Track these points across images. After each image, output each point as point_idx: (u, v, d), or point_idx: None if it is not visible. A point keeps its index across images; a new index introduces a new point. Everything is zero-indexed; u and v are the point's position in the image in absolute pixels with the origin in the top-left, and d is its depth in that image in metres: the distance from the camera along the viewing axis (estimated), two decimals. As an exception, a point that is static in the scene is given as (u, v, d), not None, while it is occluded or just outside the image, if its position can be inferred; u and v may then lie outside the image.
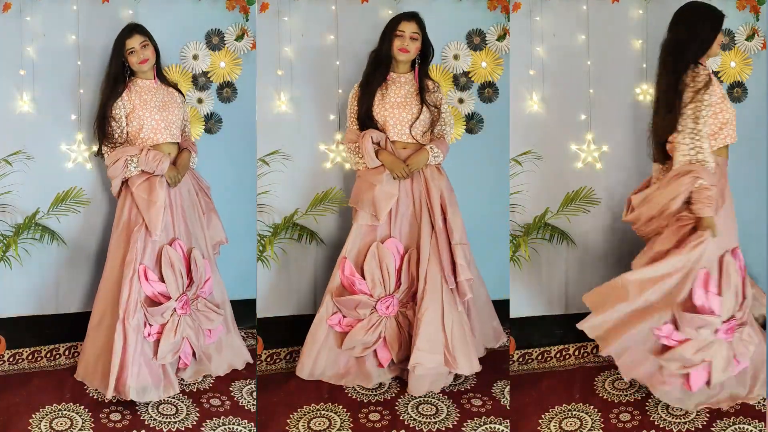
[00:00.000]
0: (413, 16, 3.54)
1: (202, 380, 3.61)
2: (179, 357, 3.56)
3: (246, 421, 3.38)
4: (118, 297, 3.39)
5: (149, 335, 3.44)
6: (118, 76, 3.50)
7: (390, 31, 3.54)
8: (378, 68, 3.58)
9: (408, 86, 3.60)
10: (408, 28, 3.52)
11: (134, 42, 3.47)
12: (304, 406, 3.46)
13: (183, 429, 3.31)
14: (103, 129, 3.52)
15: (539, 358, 3.76)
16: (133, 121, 3.51)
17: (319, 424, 3.37)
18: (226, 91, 3.84)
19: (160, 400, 3.43)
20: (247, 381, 3.63)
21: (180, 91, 3.67)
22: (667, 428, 3.27)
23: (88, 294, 3.73)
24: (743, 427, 3.25)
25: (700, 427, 3.26)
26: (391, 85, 3.60)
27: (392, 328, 3.59)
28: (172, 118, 3.57)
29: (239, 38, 3.79)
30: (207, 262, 3.66)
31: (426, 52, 3.62)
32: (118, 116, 3.50)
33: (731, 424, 3.26)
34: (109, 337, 3.39)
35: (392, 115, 3.56)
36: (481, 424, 3.36)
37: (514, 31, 3.67)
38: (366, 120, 3.57)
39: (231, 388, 3.59)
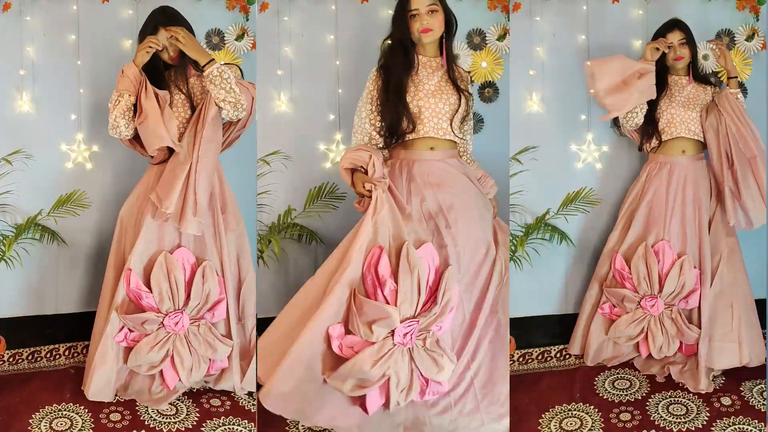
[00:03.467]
0: None
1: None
2: (159, 377, 3.35)
3: (246, 421, 3.38)
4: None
5: (123, 340, 3.28)
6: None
7: (402, 12, 3.09)
8: (399, 54, 3.09)
9: (440, 72, 3.18)
10: (422, 3, 3.08)
11: (162, 38, 3.22)
12: (304, 406, 3.46)
13: (183, 429, 3.31)
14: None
15: (539, 358, 3.76)
16: None
17: (319, 424, 3.37)
18: (226, 91, 3.84)
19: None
20: (247, 381, 3.63)
21: (202, 70, 3.21)
22: (667, 428, 3.26)
23: (88, 294, 3.73)
24: (743, 427, 3.25)
25: (700, 426, 3.26)
26: (421, 69, 3.15)
27: None
28: (165, 117, 3.22)
29: (239, 38, 3.78)
30: (222, 280, 3.34)
31: (449, 24, 3.15)
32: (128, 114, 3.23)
33: (731, 424, 3.26)
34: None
35: (428, 105, 3.13)
36: (482, 424, 3.35)
37: (514, 31, 3.67)
38: (397, 118, 3.08)
39: (231, 388, 3.59)
